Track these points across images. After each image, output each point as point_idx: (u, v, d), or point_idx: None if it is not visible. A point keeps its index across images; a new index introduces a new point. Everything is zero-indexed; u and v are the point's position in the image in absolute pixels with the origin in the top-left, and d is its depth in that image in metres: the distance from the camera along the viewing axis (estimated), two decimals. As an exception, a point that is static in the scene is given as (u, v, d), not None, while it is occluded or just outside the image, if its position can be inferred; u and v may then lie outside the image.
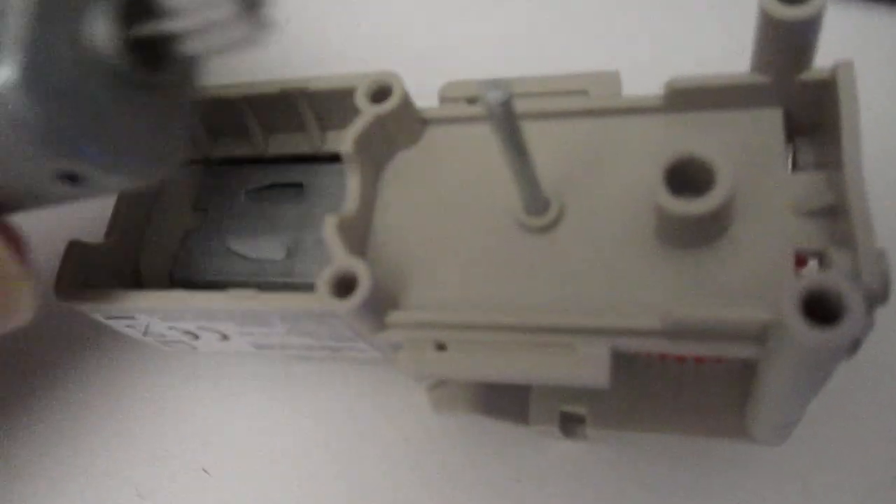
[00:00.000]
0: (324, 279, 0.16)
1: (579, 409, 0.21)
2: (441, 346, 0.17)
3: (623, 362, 0.21)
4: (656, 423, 0.21)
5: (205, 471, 0.24)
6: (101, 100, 0.13)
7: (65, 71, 0.13)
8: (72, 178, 0.14)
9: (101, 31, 0.13)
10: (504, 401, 0.21)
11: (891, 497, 0.21)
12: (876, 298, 0.14)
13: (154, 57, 0.14)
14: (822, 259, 0.15)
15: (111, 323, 0.20)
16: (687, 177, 0.16)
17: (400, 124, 0.19)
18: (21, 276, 0.16)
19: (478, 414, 0.21)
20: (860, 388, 0.22)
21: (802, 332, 0.12)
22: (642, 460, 0.23)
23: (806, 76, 0.16)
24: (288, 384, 0.25)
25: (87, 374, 0.26)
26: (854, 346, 0.15)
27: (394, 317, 0.17)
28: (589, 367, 0.16)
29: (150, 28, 0.13)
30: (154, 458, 0.25)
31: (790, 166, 0.17)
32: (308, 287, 0.17)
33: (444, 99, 0.20)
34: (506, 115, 0.14)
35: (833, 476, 0.22)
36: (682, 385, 0.21)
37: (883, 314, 0.14)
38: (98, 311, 0.19)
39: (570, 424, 0.22)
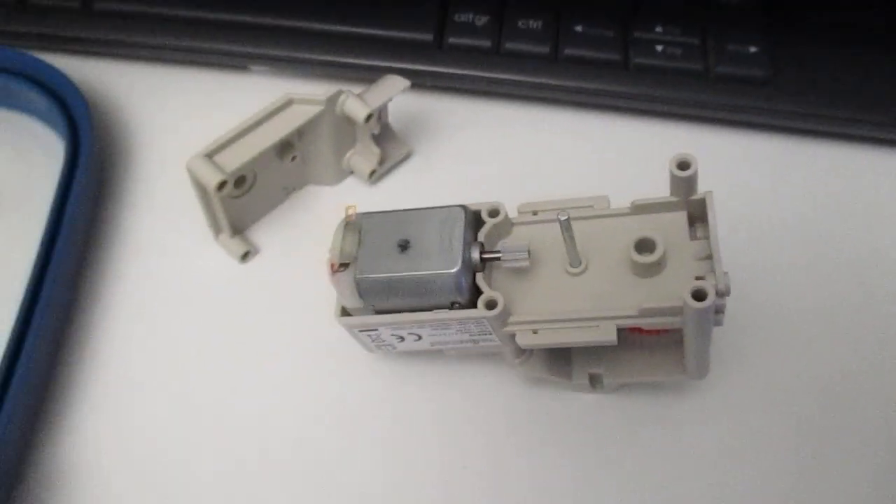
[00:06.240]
0: (481, 301, 0.36)
1: (599, 370, 0.40)
2: (535, 332, 0.36)
3: (623, 341, 0.40)
4: (640, 372, 0.39)
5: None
6: (469, 279, 0.35)
7: (465, 267, 0.34)
8: (452, 305, 0.34)
9: (475, 254, 0.35)
10: (559, 368, 0.40)
11: (771, 416, 0.40)
12: (723, 292, 0.33)
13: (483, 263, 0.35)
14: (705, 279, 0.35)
15: (359, 334, 0.38)
16: (644, 246, 0.35)
17: (503, 227, 0.38)
18: None
19: (545, 374, 0.39)
20: (749, 352, 0.42)
21: (691, 304, 0.31)
22: (630, 401, 0.42)
23: (694, 197, 0.36)
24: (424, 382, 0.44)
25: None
26: (718, 315, 0.34)
27: (512, 318, 0.36)
28: (606, 334, 0.35)
29: (488, 256, 0.35)
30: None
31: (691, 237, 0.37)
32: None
33: (520, 211, 0.39)
34: (566, 224, 0.34)
35: (741, 400, 0.41)
36: (654, 351, 0.39)
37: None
38: (363, 326, 0.37)
39: (594, 381, 0.41)
